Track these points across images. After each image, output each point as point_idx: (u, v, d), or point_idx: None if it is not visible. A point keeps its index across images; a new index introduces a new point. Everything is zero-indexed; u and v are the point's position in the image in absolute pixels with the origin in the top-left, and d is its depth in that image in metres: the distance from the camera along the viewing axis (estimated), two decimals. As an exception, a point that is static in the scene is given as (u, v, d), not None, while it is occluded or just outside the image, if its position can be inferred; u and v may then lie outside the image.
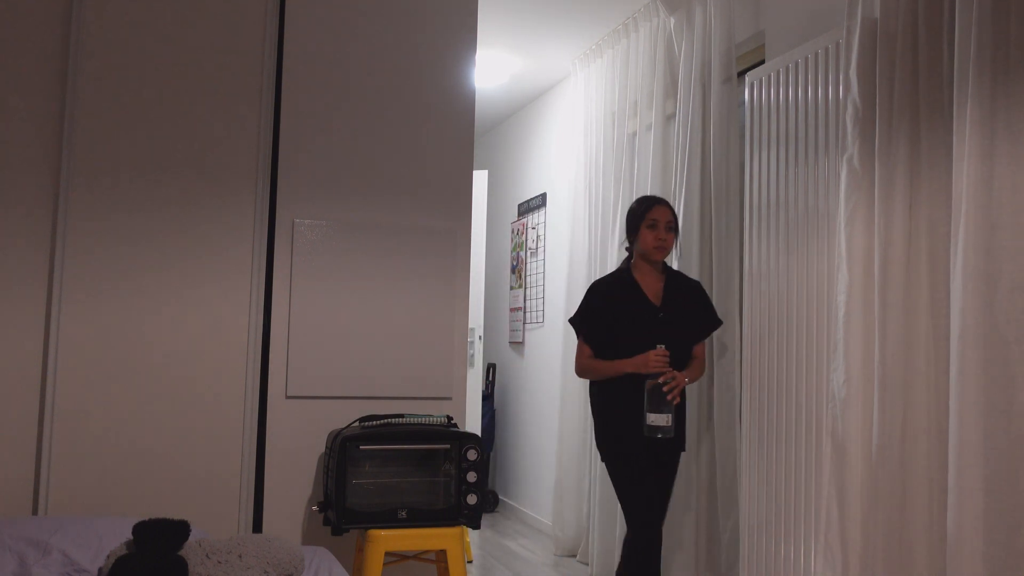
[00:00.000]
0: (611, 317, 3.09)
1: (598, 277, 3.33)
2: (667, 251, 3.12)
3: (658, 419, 2.87)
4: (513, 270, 6.29)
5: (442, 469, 2.93)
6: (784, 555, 2.87)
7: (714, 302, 3.57)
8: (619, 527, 4.07)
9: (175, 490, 2.93)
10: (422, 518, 2.83)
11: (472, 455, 2.87)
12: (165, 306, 2.96)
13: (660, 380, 2.89)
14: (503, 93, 5.84)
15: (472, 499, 2.86)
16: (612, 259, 4.33)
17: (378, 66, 3.26)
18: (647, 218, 3.09)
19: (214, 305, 3.01)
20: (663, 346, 2.96)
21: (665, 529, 3.60)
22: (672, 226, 3.12)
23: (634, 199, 4.35)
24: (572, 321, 3.20)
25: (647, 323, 3.07)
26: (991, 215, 2.09)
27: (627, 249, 3.26)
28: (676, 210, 3.83)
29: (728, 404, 3.50)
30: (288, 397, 3.06)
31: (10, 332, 2.82)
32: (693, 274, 3.64)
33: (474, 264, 5.12)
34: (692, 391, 3.63)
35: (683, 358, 3.12)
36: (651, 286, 3.13)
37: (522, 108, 6.21)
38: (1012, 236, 2.06)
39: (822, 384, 2.79)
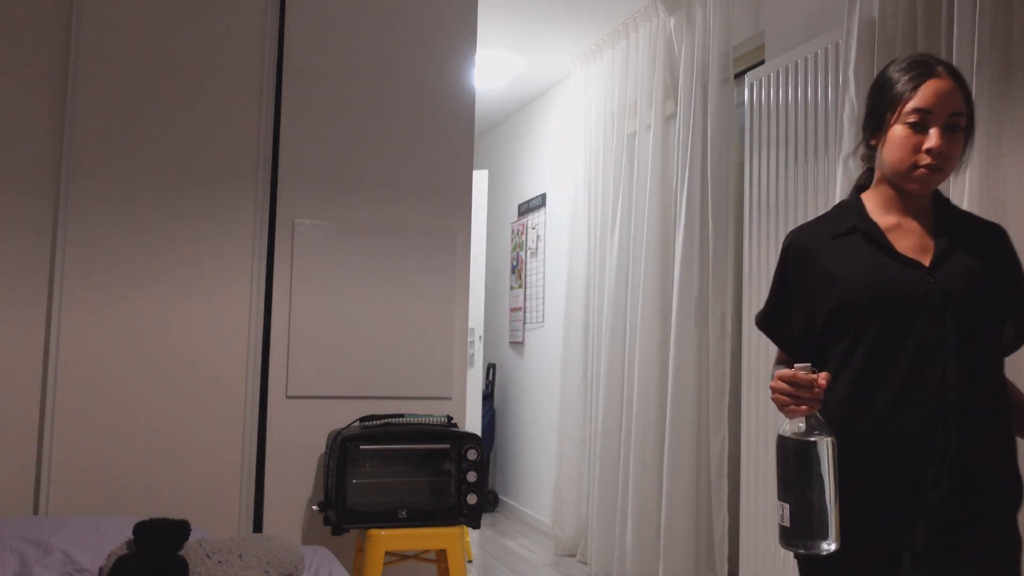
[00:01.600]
0: (824, 295, 1.59)
1: (795, 226, 1.76)
2: (942, 177, 1.57)
3: (788, 513, 1.41)
4: (513, 270, 6.29)
5: (442, 469, 2.93)
6: (783, 552, 2.87)
7: (711, 302, 3.56)
8: (618, 526, 4.07)
9: (175, 490, 2.93)
10: (422, 518, 2.83)
11: (472, 455, 2.88)
12: (165, 306, 2.97)
13: (802, 432, 1.41)
14: (503, 93, 5.84)
15: (472, 499, 2.86)
16: (612, 259, 4.33)
17: (378, 66, 3.26)
18: (904, 108, 1.53)
19: (214, 305, 3.01)
20: (811, 366, 1.43)
21: (664, 526, 3.61)
22: (957, 122, 1.55)
23: (633, 195, 4.37)
24: (759, 319, 1.75)
25: (903, 304, 1.52)
26: (993, 216, 2.09)
27: (862, 158, 1.71)
28: (676, 210, 3.82)
29: (727, 402, 3.50)
30: (288, 397, 3.07)
31: (11, 332, 2.82)
32: (691, 274, 3.63)
33: (474, 264, 5.12)
34: (686, 388, 3.62)
35: (979, 378, 1.51)
36: (907, 232, 1.59)
37: (522, 108, 6.22)
38: (1015, 237, 2.06)
39: (822, 384, 2.78)
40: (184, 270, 2.99)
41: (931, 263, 1.54)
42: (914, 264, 1.54)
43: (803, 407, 1.40)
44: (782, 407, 1.43)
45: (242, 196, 3.07)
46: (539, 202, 5.86)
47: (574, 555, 4.78)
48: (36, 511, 2.80)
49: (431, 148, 3.30)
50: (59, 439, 2.83)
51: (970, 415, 1.47)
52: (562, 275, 5.27)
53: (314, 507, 2.97)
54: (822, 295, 1.59)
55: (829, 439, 1.39)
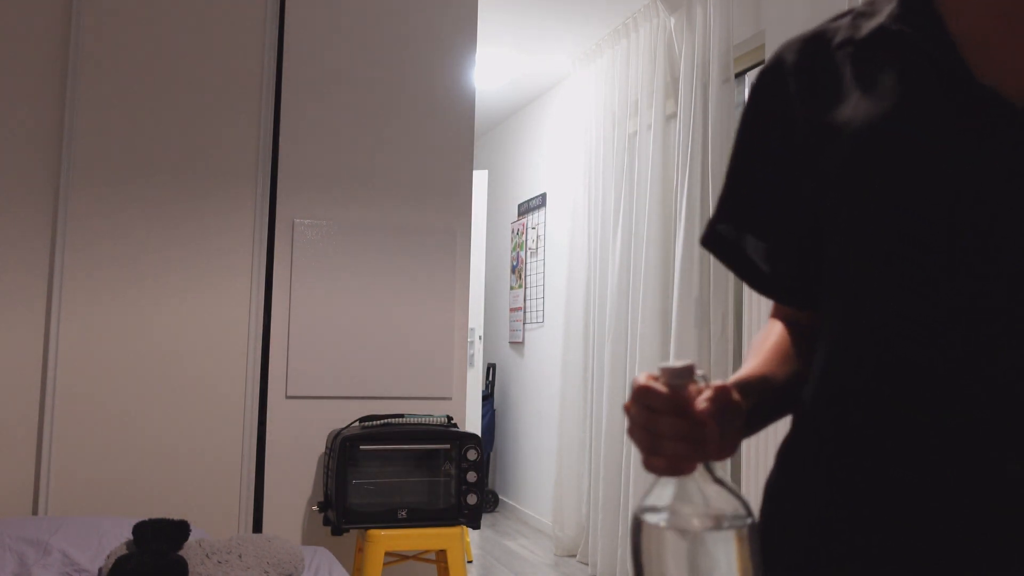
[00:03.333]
0: (814, 164, 0.77)
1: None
2: None
3: None
4: (513, 270, 6.29)
5: (442, 469, 2.93)
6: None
7: (712, 302, 3.55)
8: (621, 526, 4.07)
9: (175, 490, 2.93)
10: (422, 518, 2.83)
11: (472, 455, 2.87)
12: (165, 306, 2.96)
13: (668, 511, 0.64)
14: (503, 93, 5.84)
15: (472, 499, 2.86)
16: (615, 259, 4.33)
17: (378, 66, 3.26)
18: None
19: (214, 305, 3.01)
20: (692, 368, 0.66)
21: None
22: None
23: (633, 195, 4.35)
24: (705, 231, 0.89)
25: (952, 181, 0.67)
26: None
27: None
28: (677, 209, 3.82)
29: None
30: (288, 397, 3.06)
31: (10, 332, 2.82)
32: (692, 275, 3.62)
33: (474, 264, 5.12)
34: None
35: None
36: (1018, 40, 0.68)
37: (522, 108, 6.21)
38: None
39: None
40: (184, 270, 2.99)
41: None
42: (995, 101, 0.67)
43: (662, 459, 0.64)
44: (640, 452, 0.67)
45: (242, 196, 3.07)
46: (539, 202, 5.85)
47: (574, 555, 4.78)
48: (35, 511, 2.80)
49: (431, 148, 3.30)
50: (58, 439, 2.82)
51: None
52: (562, 275, 5.27)
53: (314, 507, 2.97)
54: (810, 165, 0.78)
55: (731, 528, 0.63)
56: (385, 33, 3.28)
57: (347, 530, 2.78)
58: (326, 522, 2.89)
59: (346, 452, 2.78)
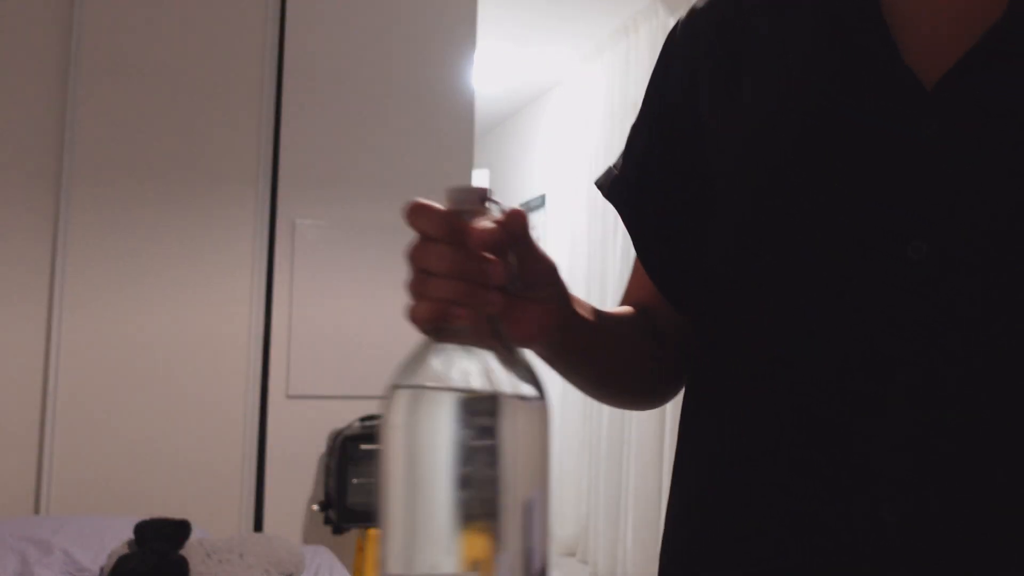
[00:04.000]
0: (714, 140, 0.70)
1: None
2: None
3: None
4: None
5: (442, 468, 2.93)
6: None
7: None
8: (621, 526, 4.07)
9: (176, 489, 2.93)
10: (422, 517, 2.83)
11: (472, 455, 2.88)
12: (166, 306, 2.97)
13: (437, 369, 0.48)
14: (503, 93, 5.84)
15: (472, 498, 2.86)
16: (614, 260, 4.33)
17: (378, 67, 3.27)
18: None
19: (215, 305, 3.01)
20: (486, 194, 0.56)
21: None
22: None
23: None
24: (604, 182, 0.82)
25: (852, 171, 0.61)
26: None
27: None
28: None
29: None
30: (289, 396, 3.07)
31: (11, 332, 2.83)
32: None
33: (474, 264, 5.12)
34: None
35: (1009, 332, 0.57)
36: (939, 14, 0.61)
37: (522, 108, 6.22)
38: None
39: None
40: (184, 270, 2.99)
41: (947, 76, 0.59)
42: (901, 75, 0.61)
43: (426, 303, 0.51)
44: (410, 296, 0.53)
45: (242, 196, 3.07)
46: (539, 202, 5.86)
47: (574, 554, 4.78)
48: (37, 511, 2.80)
49: (431, 148, 3.31)
50: (60, 439, 2.83)
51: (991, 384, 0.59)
52: (561, 275, 5.26)
53: (314, 507, 2.97)
54: (711, 140, 0.72)
55: (515, 408, 0.47)
56: (385, 33, 3.28)
57: (348, 529, 2.79)
58: (327, 522, 2.89)
59: (346, 451, 2.78)
